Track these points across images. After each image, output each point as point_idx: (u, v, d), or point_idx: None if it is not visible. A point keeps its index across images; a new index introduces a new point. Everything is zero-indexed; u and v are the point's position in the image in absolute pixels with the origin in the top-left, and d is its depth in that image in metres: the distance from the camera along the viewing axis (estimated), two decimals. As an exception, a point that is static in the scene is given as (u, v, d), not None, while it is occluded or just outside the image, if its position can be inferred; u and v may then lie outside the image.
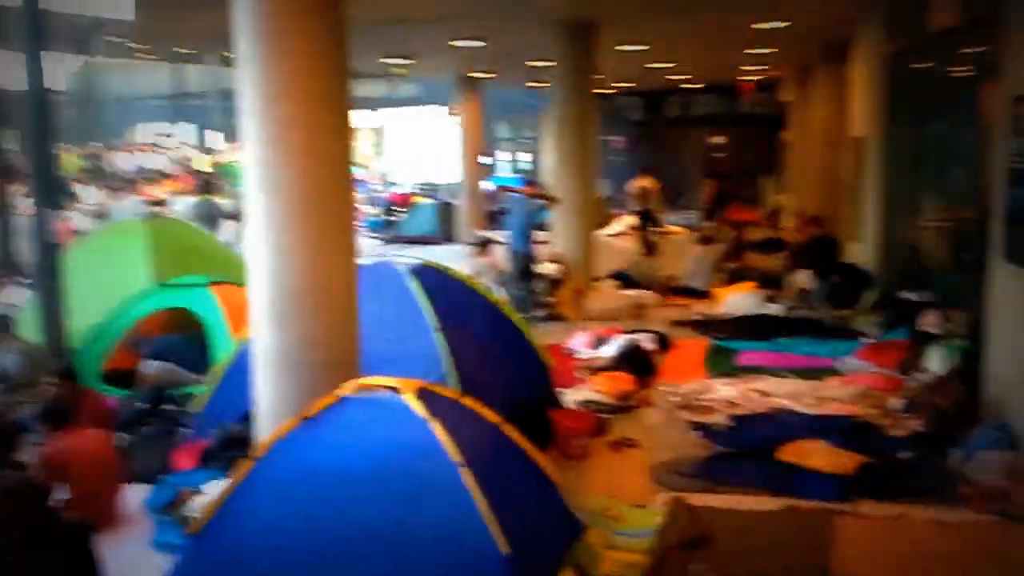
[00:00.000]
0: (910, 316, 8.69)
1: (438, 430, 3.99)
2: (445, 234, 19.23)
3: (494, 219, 20.79)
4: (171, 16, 11.18)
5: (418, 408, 4.08)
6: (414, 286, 6.17)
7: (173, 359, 7.32)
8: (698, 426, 6.60)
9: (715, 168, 19.16)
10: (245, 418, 5.60)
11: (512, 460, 4.42)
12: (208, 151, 27.90)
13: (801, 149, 18.66)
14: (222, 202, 16.51)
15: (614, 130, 27.26)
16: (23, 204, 11.80)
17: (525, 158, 31.07)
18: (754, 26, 12.28)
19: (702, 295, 11.93)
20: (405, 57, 15.59)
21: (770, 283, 12.32)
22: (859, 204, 12.25)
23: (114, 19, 11.54)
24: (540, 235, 10.90)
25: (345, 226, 5.06)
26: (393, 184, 25.60)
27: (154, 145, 28.62)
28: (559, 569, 4.14)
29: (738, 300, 11.07)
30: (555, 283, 11.02)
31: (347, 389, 4.31)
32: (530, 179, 12.20)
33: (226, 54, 15.83)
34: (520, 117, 30.92)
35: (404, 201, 21.59)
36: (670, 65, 17.94)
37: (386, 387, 4.28)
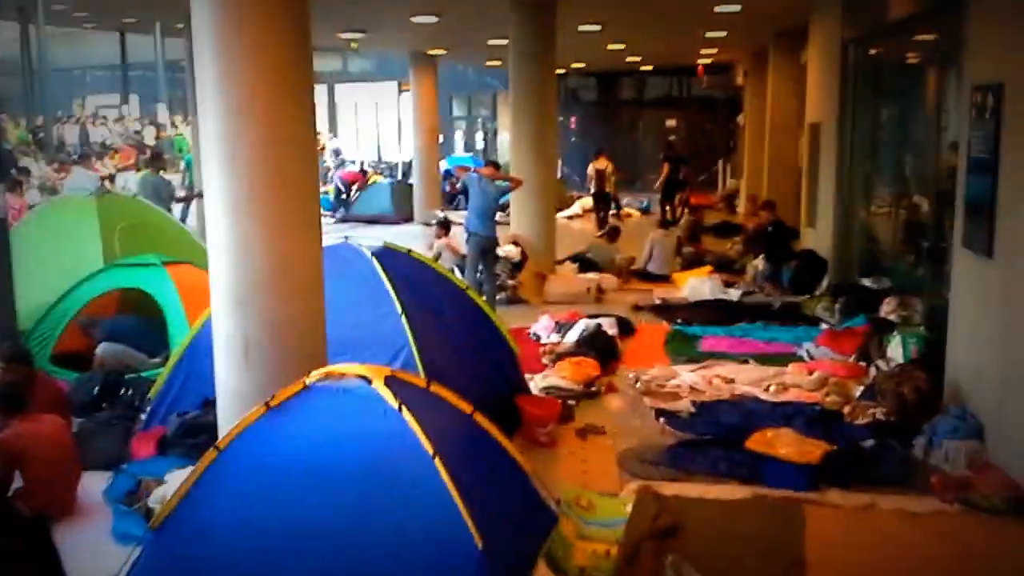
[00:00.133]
0: (868, 303, 8.79)
1: (410, 420, 3.89)
2: (401, 214, 18.99)
3: (451, 200, 20.65)
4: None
5: (388, 397, 3.98)
6: (378, 269, 6.04)
7: (127, 341, 7.12)
8: (663, 413, 6.59)
9: (670, 151, 19.17)
10: (205, 404, 5.46)
11: (485, 450, 4.35)
12: (156, 124, 27.23)
13: (755, 133, 18.78)
14: (171, 177, 16.12)
15: (568, 111, 27.23)
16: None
17: (480, 137, 30.90)
18: (712, 9, 12.28)
19: (661, 279, 11.95)
20: (360, 31, 15.32)
21: (727, 268, 12.40)
22: (815, 190, 12.34)
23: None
24: (500, 217, 10.76)
25: (309, 206, 4.91)
26: (345, 162, 25.25)
27: (101, 117, 27.85)
28: (533, 562, 4.09)
29: (697, 285, 11.10)
30: (515, 266, 10.94)
31: (313, 377, 4.18)
32: (492, 160, 12.02)
33: (174, 24, 15.42)
34: (475, 95, 30.72)
35: (357, 179, 21.29)
36: (625, 46, 17.90)
37: (354, 375, 4.17)
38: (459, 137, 31.02)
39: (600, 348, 7.94)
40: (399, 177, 23.64)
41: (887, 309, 8.27)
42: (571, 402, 6.75)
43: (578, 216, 19.69)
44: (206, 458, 4.01)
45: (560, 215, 16.02)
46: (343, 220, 18.76)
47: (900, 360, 6.99)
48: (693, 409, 6.68)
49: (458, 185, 20.66)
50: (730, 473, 5.50)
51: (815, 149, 12.24)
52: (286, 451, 3.99)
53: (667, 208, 18.22)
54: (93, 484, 5.20)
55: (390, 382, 4.08)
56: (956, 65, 7.02)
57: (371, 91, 30.38)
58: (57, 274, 7.40)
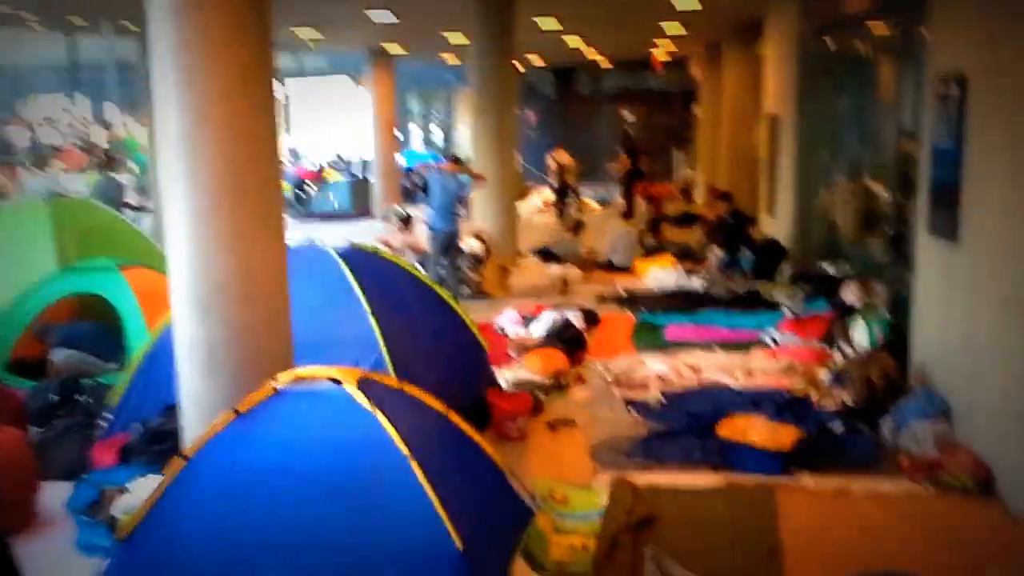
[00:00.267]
0: (829, 289, 8.86)
1: (384, 422, 3.82)
2: (360, 210, 18.84)
3: (410, 195, 20.52)
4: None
5: (361, 399, 3.90)
6: (344, 269, 5.94)
7: (83, 347, 6.93)
8: (632, 403, 6.59)
9: (629, 143, 19.23)
10: (168, 410, 5.32)
11: (459, 449, 4.29)
12: (107, 125, 26.69)
13: (711, 124, 18.92)
14: (122, 179, 15.84)
15: (526, 105, 27.21)
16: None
17: (438, 133, 30.76)
18: (671, 3, 12.31)
19: (624, 270, 11.96)
20: (316, 27, 15.15)
21: (688, 257, 12.45)
22: (774, 179, 12.45)
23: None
24: (462, 211, 10.70)
25: (273, 207, 4.80)
26: (301, 158, 24.96)
27: (49, 119, 27.22)
28: (511, 559, 4.04)
29: (660, 274, 11.14)
30: (479, 260, 10.88)
31: (283, 381, 4.09)
32: (453, 155, 11.94)
33: (123, 24, 15.09)
34: (432, 92, 30.56)
35: (314, 176, 21.06)
36: (583, 40, 17.91)
37: (325, 377, 4.08)
38: (417, 133, 30.83)
39: (567, 340, 7.92)
40: (357, 174, 23.45)
41: (849, 294, 8.32)
42: (540, 395, 6.71)
43: (537, 210, 19.68)
44: (173, 467, 3.91)
45: (521, 208, 15.99)
46: (304, 218, 18.58)
47: (865, 344, 7.05)
48: (663, 399, 6.69)
49: (416, 180, 20.57)
50: (702, 461, 5.51)
51: (774, 139, 12.35)
52: (256, 458, 3.89)
53: (629, 200, 18.29)
54: (53, 494, 5.06)
55: (363, 384, 4.00)
56: (916, 55, 7.09)
57: (326, 87, 30.05)
58: (10, 280, 7.18)
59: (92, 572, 4.11)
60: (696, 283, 10.78)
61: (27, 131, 25.58)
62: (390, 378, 4.67)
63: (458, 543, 3.56)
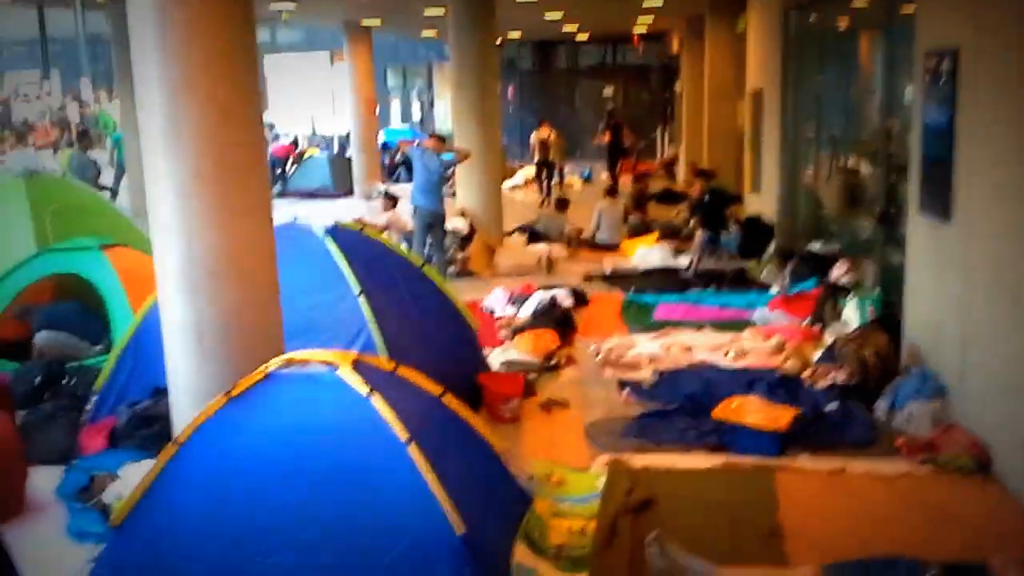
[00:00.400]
0: (817, 267, 8.84)
1: (381, 406, 3.75)
2: (341, 188, 18.62)
3: (391, 172, 20.33)
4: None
5: (357, 382, 3.83)
6: (332, 248, 5.84)
7: (66, 328, 6.81)
8: (626, 384, 6.54)
9: (612, 119, 19.12)
10: (156, 393, 5.23)
11: (456, 433, 4.23)
12: (79, 100, 26.26)
13: (693, 100, 18.81)
14: (97, 155, 15.56)
15: (505, 81, 27.00)
16: None
17: (416, 109, 30.49)
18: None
19: (610, 248, 11.91)
20: (291, 0, 14.91)
21: (673, 235, 12.40)
22: (758, 156, 12.39)
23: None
24: (446, 190, 10.57)
25: (258, 183, 4.66)
26: (279, 136, 24.67)
27: (23, 95, 26.74)
28: (512, 543, 3.99)
29: (646, 253, 11.09)
30: (464, 239, 10.78)
31: (275, 364, 4.00)
32: (436, 132, 11.78)
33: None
34: (409, 66, 30.27)
35: (289, 152, 20.81)
36: (563, 14, 17.73)
37: (319, 361, 4.00)
38: (395, 108, 30.55)
39: (557, 320, 7.86)
40: (336, 150, 23.19)
41: (838, 272, 8.31)
42: (531, 376, 6.65)
43: (520, 187, 19.56)
44: (166, 453, 3.82)
45: (504, 185, 15.88)
46: (280, 195, 18.33)
47: (856, 323, 7.03)
48: (655, 379, 6.65)
49: (397, 158, 20.38)
50: (698, 442, 5.48)
51: (758, 115, 12.28)
52: (250, 443, 3.82)
53: (614, 176, 18.21)
54: (42, 480, 4.96)
55: (358, 367, 3.93)
56: (902, 29, 7.03)
57: (302, 63, 29.70)
58: (-12, 261, 7.03)
59: (85, 559, 4.02)
60: (683, 262, 10.73)
61: (2, 107, 25.14)
62: (384, 360, 4.58)
63: (458, 528, 3.51)
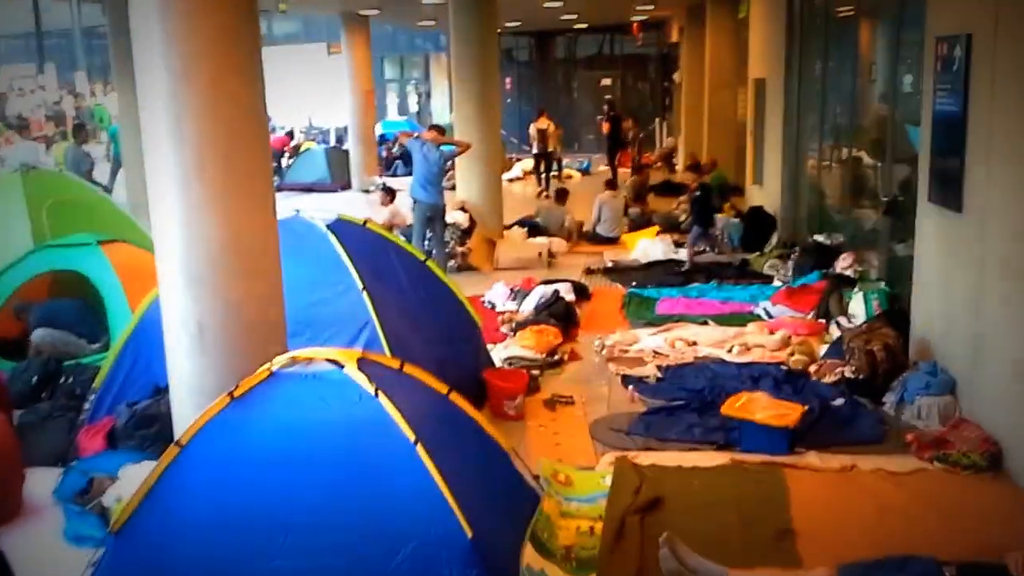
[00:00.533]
0: (822, 259, 8.77)
1: (387, 405, 3.67)
2: (338, 181, 18.49)
3: (389, 165, 20.20)
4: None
5: (363, 381, 3.75)
6: (334, 243, 5.75)
7: (63, 326, 6.71)
8: (630, 380, 6.47)
9: (612, 110, 19.02)
10: (156, 392, 5.16)
11: (463, 433, 4.15)
12: (75, 93, 26.10)
13: (693, 90, 18.71)
14: (92, 149, 15.44)
15: (503, 71, 26.86)
16: None
17: (413, 100, 30.36)
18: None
19: (611, 241, 11.83)
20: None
21: (674, 228, 12.31)
22: (760, 147, 12.30)
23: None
24: (445, 183, 10.47)
25: (261, 175, 4.58)
26: (275, 128, 24.51)
27: (18, 89, 26.58)
28: (520, 544, 3.92)
29: (647, 246, 11.01)
30: (464, 233, 10.69)
31: (279, 363, 3.92)
32: (435, 124, 11.66)
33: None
34: (407, 58, 30.13)
35: (284, 144, 20.66)
36: (562, 3, 17.60)
37: (324, 359, 3.92)
38: (392, 100, 30.40)
39: (560, 315, 7.78)
40: (333, 142, 23.06)
41: (844, 264, 8.25)
42: (535, 372, 6.58)
43: (518, 179, 19.45)
44: (167, 455, 3.74)
45: (503, 178, 15.78)
46: (276, 189, 18.16)
47: (862, 316, 6.96)
48: (659, 374, 6.58)
49: (395, 150, 20.27)
50: (705, 439, 5.41)
51: (760, 105, 12.18)
52: (254, 444, 3.74)
53: (614, 168, 18.11)
54: (39, 482, 4.86)
55: (363, 365, 3.85)
56: (912, 14, 6.94)
57: (299, 54, 29.51)
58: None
59: (83, 563, 3.93)
60: (683, 255, 10.66)
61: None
62: (389, 358, 4.51)
63: (468, 530, 3.44)
